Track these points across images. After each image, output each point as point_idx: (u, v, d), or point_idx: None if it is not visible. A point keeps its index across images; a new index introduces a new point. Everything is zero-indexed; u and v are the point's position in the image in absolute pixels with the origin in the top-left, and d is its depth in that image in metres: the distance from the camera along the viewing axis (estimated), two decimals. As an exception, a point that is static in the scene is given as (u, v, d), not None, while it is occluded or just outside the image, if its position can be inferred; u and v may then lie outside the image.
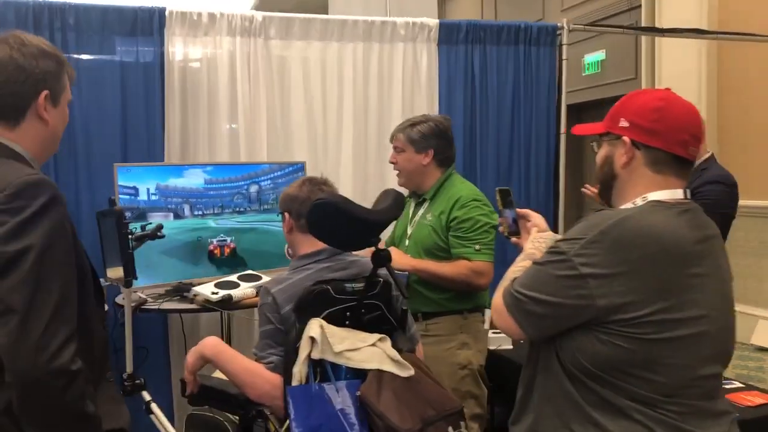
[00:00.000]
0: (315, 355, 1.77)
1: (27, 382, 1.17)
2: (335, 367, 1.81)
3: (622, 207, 1.44)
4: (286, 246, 2.19)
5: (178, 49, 3.40)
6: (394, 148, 2.74)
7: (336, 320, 1.87)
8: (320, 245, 1.99)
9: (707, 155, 3.03)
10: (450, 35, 3.80)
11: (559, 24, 3.95)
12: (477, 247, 2.53)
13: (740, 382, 2.51)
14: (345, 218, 1.81)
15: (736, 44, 5.09)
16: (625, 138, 1.44)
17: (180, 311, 2.81)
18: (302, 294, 1.85)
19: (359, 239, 1.89)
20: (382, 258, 1.85)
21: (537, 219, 1.69)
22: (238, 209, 3.20)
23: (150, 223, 2.30)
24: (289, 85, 3.60)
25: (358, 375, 1.82)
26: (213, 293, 2.67)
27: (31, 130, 1.38)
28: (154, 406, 2.38)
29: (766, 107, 5.17)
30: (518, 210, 1.70)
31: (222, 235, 3.15)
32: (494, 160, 3.93)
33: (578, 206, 8.13)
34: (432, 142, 2.67)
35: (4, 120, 1.36)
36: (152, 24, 3.32)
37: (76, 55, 3.22)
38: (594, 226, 1.36)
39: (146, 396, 2.41)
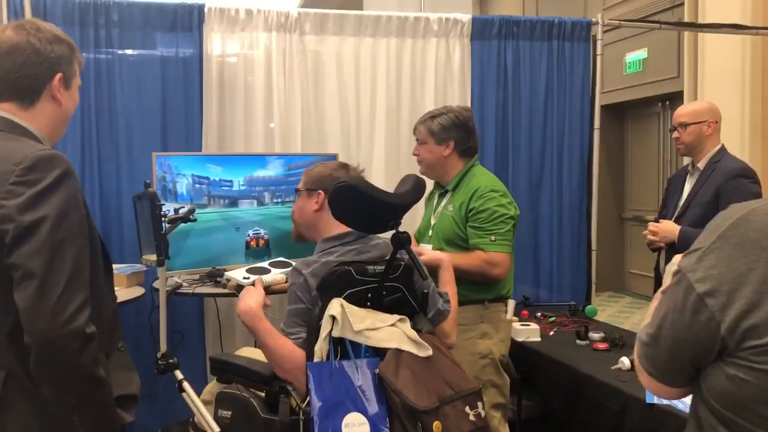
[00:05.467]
0: (335, 333, 1.83)
1: (45, 343, 1.23)
2: (355, 345, 1.85)
3: None
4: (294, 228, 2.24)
5: (216, 44, 3.51)
6: (417, 139, 2.78)
7: (357, 301, 1.92)
8: (346, 227, 2.04)
9: (718, 146, 3.00)
10: (483, 30, 3.82)
11: (593, 19, 3.94)
12: (492, 237, 2.55)
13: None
14: (365, 200, 1.86)
15: (780, 40, 4.98)
16: None
17: (213, 295, 2.91)
18: (325, 274, 1.90)
19: (379, 222, 1.94)
20: (401, 240, 1.89)
21: None
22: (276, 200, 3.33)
23: (183, 207, 2.39)
24: (323, 79, 3.68)
25: (378, 354, 1.87)
26: (245, 278, 2.75)
27: (45, 111, 1.46)
28: (186, 385, 2.47)
29: (812, 105, 5.05)
30: None
31: (256, 227, 3.26)
32: (527, 156, 3.94)
33: (617, 204, 8.06)
34: (452, 133, 2.70)
35: (19, 100, 1.44)
36: (191, 20, 3.44)
37: (119, 50, 3.36)
38: (714, 229, 1.10)
39: (179, 375, 2.49)
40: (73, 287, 1.26)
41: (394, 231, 1.93)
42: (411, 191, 1.97)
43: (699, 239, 1.12)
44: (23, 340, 1.25)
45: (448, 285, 2.27)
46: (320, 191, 2.11)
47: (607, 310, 7.02)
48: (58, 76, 1.46)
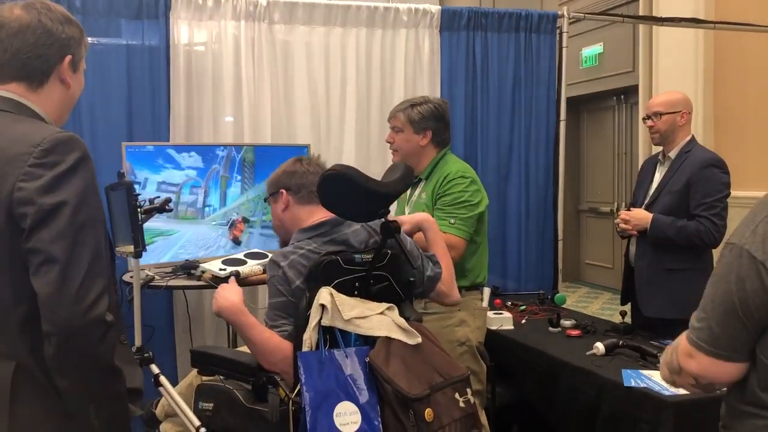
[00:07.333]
0: (325, 322, 1.80)
1: (67, 331, 1.19)
2: (344, 334, 1.84)
3: None
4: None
5: (183, 32, 3.42)
6: (392, 127, 2.77)
7: (345, 290, 1.90)
8: (320, 216, 2.02)
9: (689, 137, 3.08)
10: (452, 22, 3.83)
11: (559, 12, 3.99)
12: (452, 220, 2.56)
13: None
14: (355, 189, 1.84)
15: (733, 35, 5.13)
16: None
17: (187, 288, 2.84)
18: (312, 264, 1.88)
19: (368, 211, 1.93)
20: (390, 229, 1.88)
21: None
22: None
23: (158, 197, 2.33)
24: (292, 69, 3.63)
25: (367, 342, 1.85)
26: (221, 269, 2.70)
27: (53, 94, 1.42)
28: (162, 379, 2.41)
29: (763, 98, 5.21)
30: None
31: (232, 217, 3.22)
32: (495, 146, 3.96)
33: (573, 196, 8.21)
34: (431, 123, 2.71)
35: (27, 82, 1.38)
36: (158, 7, 3.35)
37: (82, 38, 3.25)
38: (763, 206, 1.17)
39: (155, 369, 2.44)
40: (94, 274, 1.23)
41: (383, 220, 1.92)
42: (400, 179, 1.96)
43: (747, 217, 1.19)
44: (36, 329, 1.21)
45: (435, 245, 2.25)
46: (281, 190, 2.10)
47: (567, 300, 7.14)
48: (68, 58, 1.41)
